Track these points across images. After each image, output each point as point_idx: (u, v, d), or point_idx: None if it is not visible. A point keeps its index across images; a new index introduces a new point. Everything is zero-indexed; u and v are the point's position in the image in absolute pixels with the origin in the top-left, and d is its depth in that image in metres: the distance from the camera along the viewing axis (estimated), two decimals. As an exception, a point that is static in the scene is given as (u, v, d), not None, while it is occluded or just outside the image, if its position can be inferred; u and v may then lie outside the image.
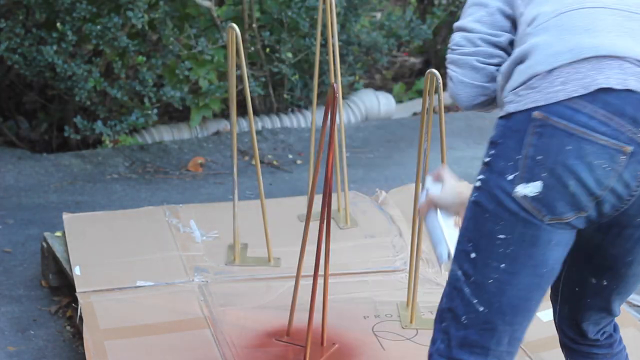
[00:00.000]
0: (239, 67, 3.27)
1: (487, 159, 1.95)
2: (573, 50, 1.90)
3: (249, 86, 4.85)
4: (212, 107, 5.07)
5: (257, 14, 5.12)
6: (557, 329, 2.31)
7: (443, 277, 3.29)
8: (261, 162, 4.84)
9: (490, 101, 2.12)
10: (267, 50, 5.20)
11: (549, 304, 3.17)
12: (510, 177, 1.90)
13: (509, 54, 2.05)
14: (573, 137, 1.86)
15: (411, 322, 3.09)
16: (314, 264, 2.78)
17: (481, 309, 1.99)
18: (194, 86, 5.01)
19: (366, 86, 5.87)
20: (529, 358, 2.93)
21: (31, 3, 4.75)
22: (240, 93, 5.03)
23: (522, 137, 1.90)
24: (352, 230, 3.68)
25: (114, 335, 3.00)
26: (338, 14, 5.12)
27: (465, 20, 2.12)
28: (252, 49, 5.09)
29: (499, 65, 2.07)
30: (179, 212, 3.77)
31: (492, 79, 2.08)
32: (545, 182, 1.88)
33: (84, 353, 2.93)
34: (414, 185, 3.10)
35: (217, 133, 5.23)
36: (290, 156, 4.98)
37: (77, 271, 3.34)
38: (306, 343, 2.81)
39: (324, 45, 4.99)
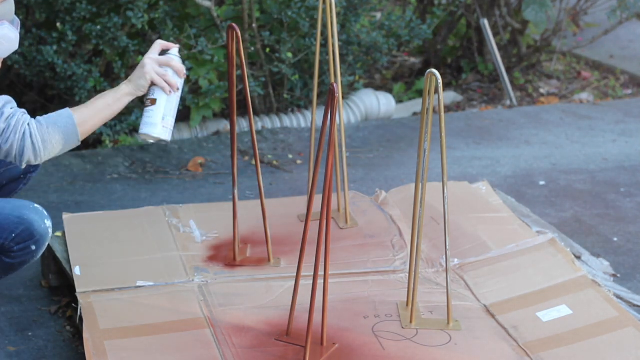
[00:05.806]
0: (239, 67, 3.27)
1: None
2: None
3: (249, 86, 4.85)
4: (212, 107, 5.06)
5: (257, 14, 5.12)
6: None
7: (443, 277, 3.29)
8: (261, 162, 4.83)
9: None
10: (267, 50, 5.20)
11: (550, 304, 3.19)
12: None
13: None
14: None
15: (411, 322, 3.09)
16: (314, 264, 2.78)
17: None
18: (194, 86, 5.01)
19: (366, 86, 5.87)
20: (529, 358, 2.93)
21: (31, 3, 4.75)
22: (240, 93, 5.02)
23: None
24: (352, 230, 3.68)
25: (114, 335, 3.00)
26: (338, 14, 5.11)
27: None
28: (252, 49, 5.09)
29: None
30: (179, 212, 3.77)
31: None
32: None
33: (84, 353, 2.94)
34: (414, 185, 3.10)
35: (217, 133, 5.23)
36: (290, 156, 4.98)
37: (77, 271, 3.34)
38: (306, 343, 2.81)
39: (324, 45, 4.99)
